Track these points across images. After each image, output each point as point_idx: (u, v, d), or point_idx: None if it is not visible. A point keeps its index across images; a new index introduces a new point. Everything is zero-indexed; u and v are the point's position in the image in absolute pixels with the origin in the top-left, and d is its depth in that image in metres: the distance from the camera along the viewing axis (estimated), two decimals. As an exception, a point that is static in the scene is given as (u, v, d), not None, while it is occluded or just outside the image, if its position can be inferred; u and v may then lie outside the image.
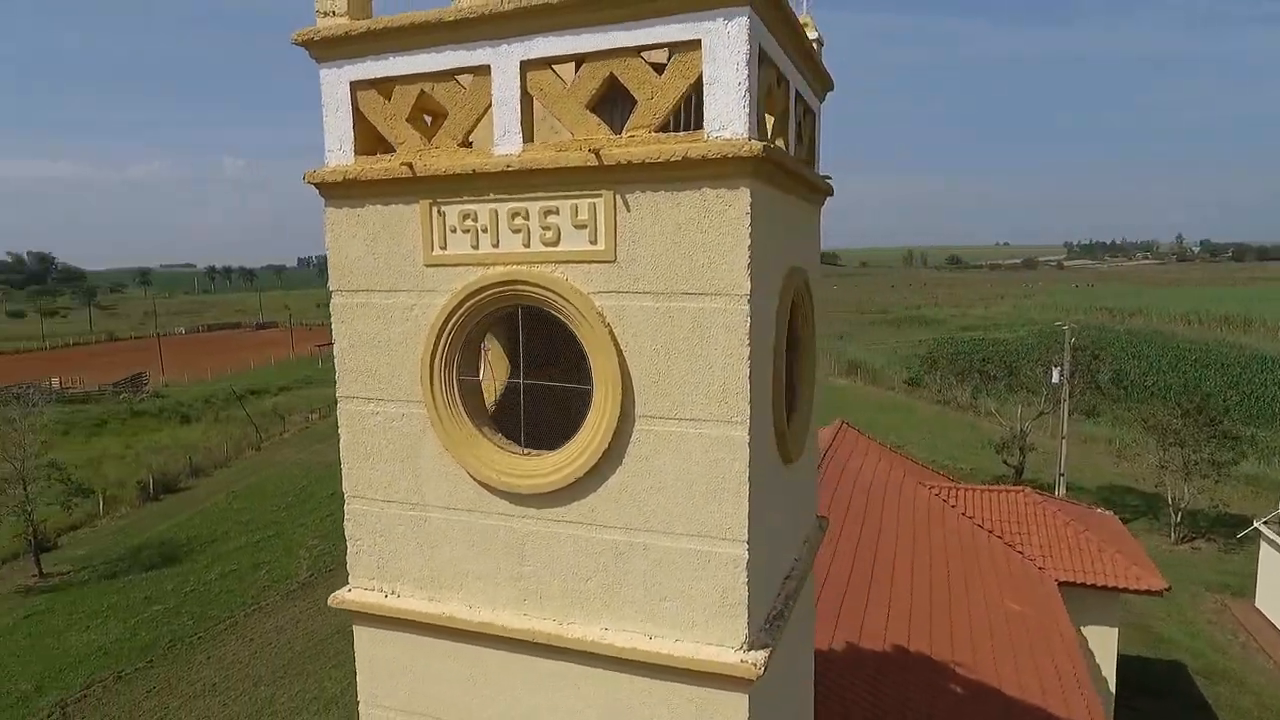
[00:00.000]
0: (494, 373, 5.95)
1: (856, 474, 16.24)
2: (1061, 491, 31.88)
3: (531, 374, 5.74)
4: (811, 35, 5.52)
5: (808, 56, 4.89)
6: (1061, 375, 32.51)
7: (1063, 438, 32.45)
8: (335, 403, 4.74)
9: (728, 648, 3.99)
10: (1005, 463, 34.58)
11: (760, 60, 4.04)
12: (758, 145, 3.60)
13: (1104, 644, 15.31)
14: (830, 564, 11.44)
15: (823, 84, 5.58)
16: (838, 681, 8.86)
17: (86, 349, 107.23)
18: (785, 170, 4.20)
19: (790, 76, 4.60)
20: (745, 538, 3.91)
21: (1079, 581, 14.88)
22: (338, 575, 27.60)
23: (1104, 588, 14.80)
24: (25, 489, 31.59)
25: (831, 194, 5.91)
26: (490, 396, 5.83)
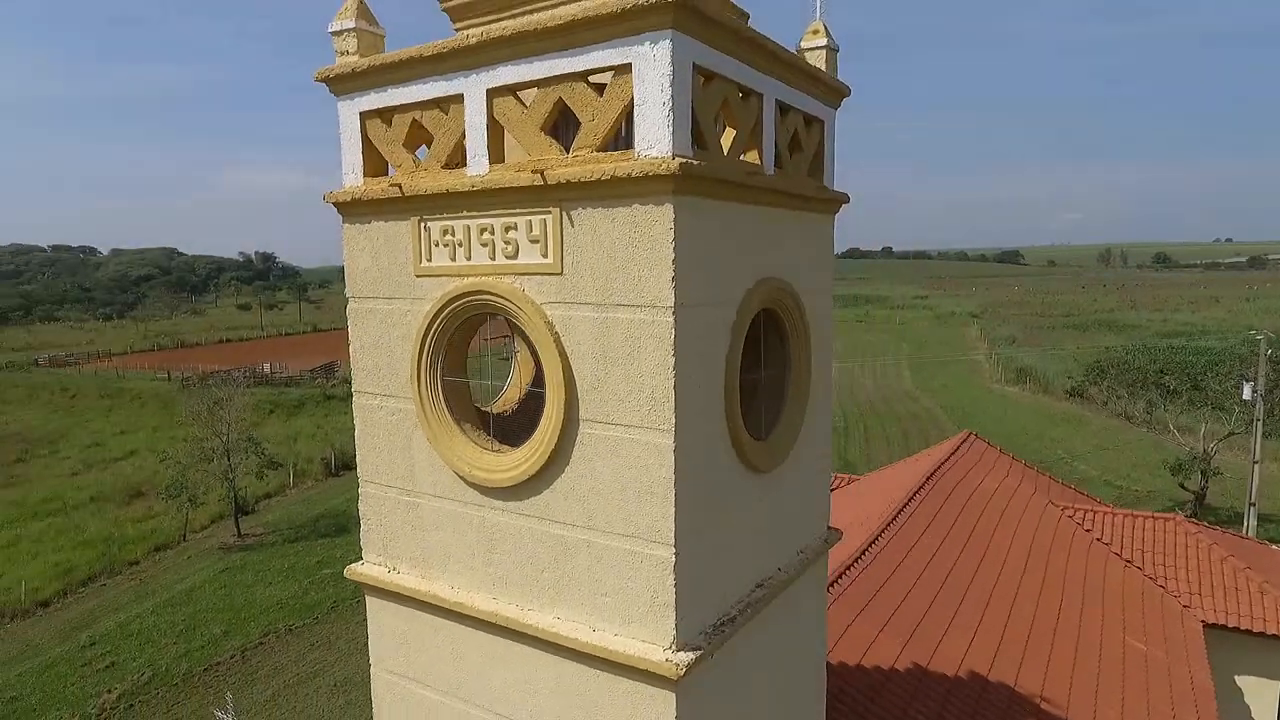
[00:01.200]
0: (521, 375, 6.37)
1: (974, 489, 15.30)
2: (1252, 523, 27.94)
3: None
4: (818, 43, 5.48)
5: (793, 68, 4.88)
6: (1255, 391, 28.43)
7: (1255, 462, 28.37)
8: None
9: (656, 646, 4.15)
10: (1183, 487, 30.78)
11: (709, 78, 4.16)
12: (675, 163, 3.73)
13: (1263, 698, 13.43)
14: (916, 581, 10.96)
15: (832, 91, 5.50)
16: (899, 699, 8.56)
17: (295, 339, 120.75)
18: (733, 184, 4.27)
19: (764, 89, 4.64)
20: (672, 541, 4.05)
21: (1231, 625, 13.17)
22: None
23: (1262, 634, 13.00)
24: (229, 460, 36.39)
25: (847, 201, 5.81)
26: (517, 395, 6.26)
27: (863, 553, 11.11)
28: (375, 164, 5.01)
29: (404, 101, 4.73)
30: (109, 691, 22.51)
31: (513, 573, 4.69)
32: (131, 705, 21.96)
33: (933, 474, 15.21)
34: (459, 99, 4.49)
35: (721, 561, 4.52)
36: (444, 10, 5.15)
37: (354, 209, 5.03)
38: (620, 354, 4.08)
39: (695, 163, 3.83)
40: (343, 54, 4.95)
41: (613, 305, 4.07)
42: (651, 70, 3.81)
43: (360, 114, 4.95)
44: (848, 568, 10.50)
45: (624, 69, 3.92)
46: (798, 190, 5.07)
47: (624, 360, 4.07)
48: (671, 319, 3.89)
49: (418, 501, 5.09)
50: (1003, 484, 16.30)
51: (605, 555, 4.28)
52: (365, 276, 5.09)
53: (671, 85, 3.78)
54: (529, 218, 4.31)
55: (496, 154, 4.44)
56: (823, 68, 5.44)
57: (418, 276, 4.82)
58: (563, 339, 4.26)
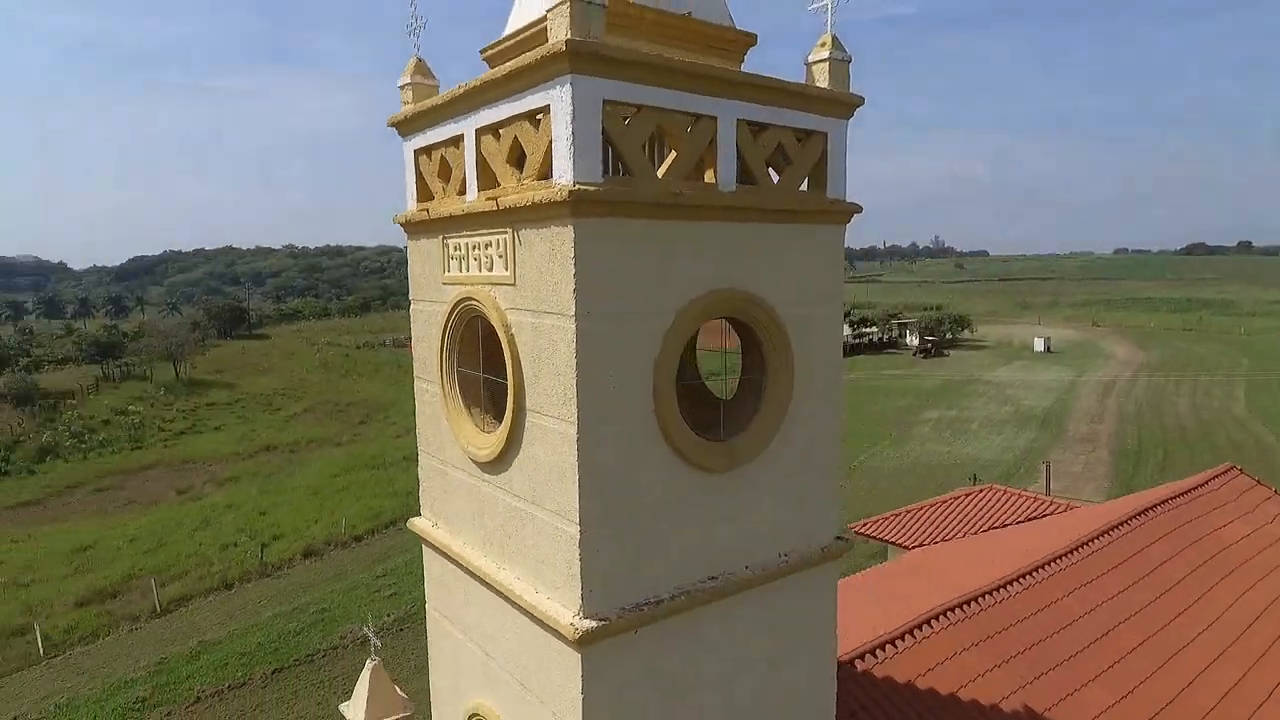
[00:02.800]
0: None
1: (1209, 531, 12.92)
2: None
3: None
4: (822, 56, 5.53)
5: (758, 89, 5.06)
6: None
7: None
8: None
9: (567, 611, 4.73)
10: None
11: (639, 109, 4.63)
12: (566, 190, 4.29)
13: None
14: (1069, 623, 9.81)
15: (832, 104, 5.51)
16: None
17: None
18: (659, 205, 4.65)
19: (719, 112, 4.92)
20: (577, 520, 4.60)
21: None
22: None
23: None
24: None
25: (858, 210, 5.77)
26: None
27: (1007, 583, 10.19)
28: (425, 192, 6.13)
29: (435, 141, 5.77)
30: (389, 615, 27.36)
31: (493, 535, 5.54)
32: (402, 629, 26.47)
33: (1152, 508, 13.17)
34: (461, 137, 5.42)
35: (648, 547, 4.92)
36: (484, 60, 6.10)
37: (409, 228, 6.21)
38: (546, 355, 4.72)
39: (589, 188, 4.34)
40: (405, 103, 6.14)
41: (542, 312, 4.72)
42: (560, 109, 4.40)
43: (415, 151, 6.10)
44: (977, 597, 9.75)
45: (548, 110, 4.54)
46: (769, 204, 5.23)
47: (548, 360, 4.71)
48: (573, 325, 4.45)
49: (446, 470, 6.15)
50: (1261, 530, 13.53)
51: (543, 528, 4.95)
52: (418, 282, 6.24)
53: (572, 121, 4.34)
54: (497, 237, 5.10)
55: (485, 183, 5.29)
56: (826, 81, 5.50)
57: (443, 284, 5.85)
58: (515, 340, 5.00)
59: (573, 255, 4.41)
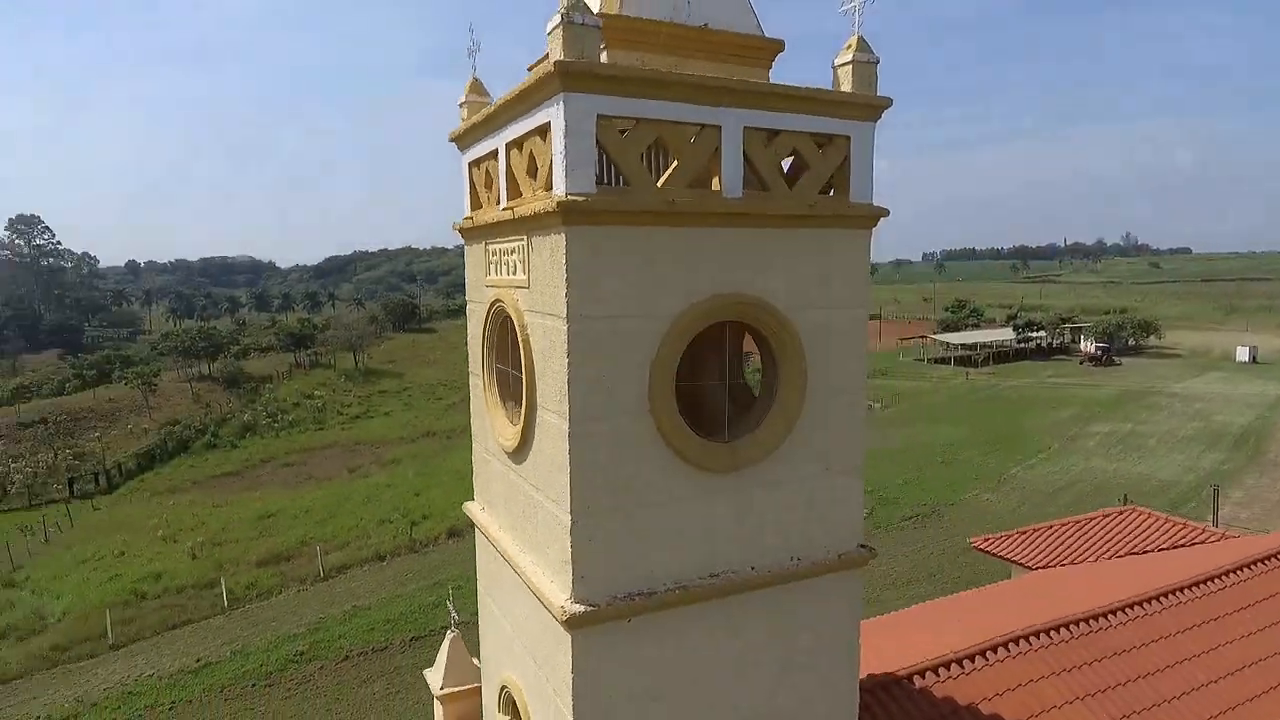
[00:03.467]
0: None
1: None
2: None
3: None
4: (846, 59, 5.49)
5: (767, 96, 5.12)
6: None
7: None
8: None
9: (561, 594, 5.04)
10: None
11: (638, 121, 4.85)
12: (554, 200, 4.60)
13: None
14: (1179, 661, 8.90)
15: (853, 107, 5.44)
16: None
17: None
18: (654, 212, 4.84)
19: (722, 121, 5.04)
20: (569, 509, 4.90)
21: None
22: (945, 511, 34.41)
23: None
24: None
25: (885, 214, 5.66)
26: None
27: (1108, 613, 9.37)
28: (476, 201, 6.64)
29: (480, 155, 6.27)
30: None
31: (517, 520, 5.95)
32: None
33: (1311, 546, 11.57)
34: (496, 152, 5.86)
35: (643, 540, 5.13)
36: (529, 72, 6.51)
37: (463, 234, 6.76)
38: (549, 353, 5.06)
39: (578, 199, 4.61)
40: (463, 120, 6.69)
41: (546, 314, 5.07)
42: (557, 125, 4.71)
43: (469, 164, 6.63)
44: (1070, 624, 9.04)
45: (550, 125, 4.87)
46: (777, 210, 5.27)
47: (551, 358, 5.04)
48: (565, 326, 4.75)
49: (489, 459, 6.64)
50: None
51: (548, 516, 5.29)
52: (470, 284, 6.79)
53: (565, 136, 4.63)
54: (517, 243, 5.50)
55: (512, 193, 5.70)
56: (850, 84, 5.45)
57: (486, 286, 6.33)
58: (529, 339, 5.37)
59: (564, 261, 4.71)
